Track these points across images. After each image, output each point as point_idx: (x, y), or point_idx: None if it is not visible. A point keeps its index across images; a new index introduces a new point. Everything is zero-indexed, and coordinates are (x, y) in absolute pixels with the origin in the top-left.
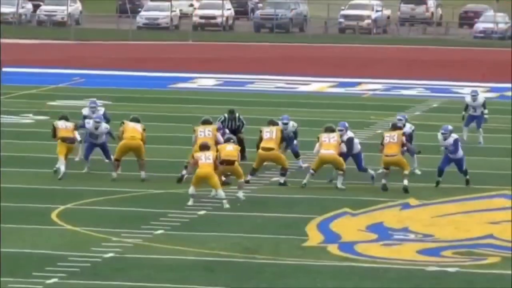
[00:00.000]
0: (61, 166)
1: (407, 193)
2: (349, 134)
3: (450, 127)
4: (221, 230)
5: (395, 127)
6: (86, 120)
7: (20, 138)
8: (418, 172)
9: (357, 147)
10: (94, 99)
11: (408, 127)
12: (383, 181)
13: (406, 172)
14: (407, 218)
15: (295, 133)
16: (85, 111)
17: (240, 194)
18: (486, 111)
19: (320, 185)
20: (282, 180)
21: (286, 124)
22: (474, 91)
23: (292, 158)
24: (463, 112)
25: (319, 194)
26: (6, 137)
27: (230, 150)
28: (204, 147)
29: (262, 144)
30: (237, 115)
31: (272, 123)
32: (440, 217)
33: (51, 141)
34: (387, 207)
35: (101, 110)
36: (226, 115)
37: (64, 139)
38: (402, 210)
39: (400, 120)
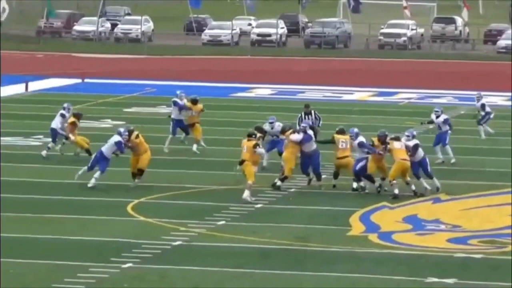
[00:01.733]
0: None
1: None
2: (360, 138)
3: (414, 132)
4: (275, 221)
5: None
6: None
7: (99, 141)
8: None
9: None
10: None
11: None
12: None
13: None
14: (438, 211)
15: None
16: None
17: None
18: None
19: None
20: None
21: (272, 123)
22: (437, 109)
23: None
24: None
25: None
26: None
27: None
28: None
29: (339, 154)
30: (312, 111)
31: (342, 132)
32: (467, 210)
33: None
34: (420, 202)
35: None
36: (302, 112)
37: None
38: (433, 204)
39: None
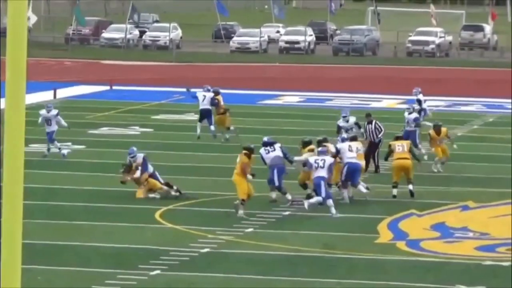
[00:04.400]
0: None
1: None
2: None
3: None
4: (303, 228)
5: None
6: None
7: (127, 147)
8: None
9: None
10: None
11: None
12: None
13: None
14: (466, 219)
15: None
16: None
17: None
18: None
19: (389, 189)
20: (411, 187)
21: (345, 117)
22: (408, 106)
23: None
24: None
25: (389, 197)
26: (114, 146)
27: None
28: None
29: (397, 156)
30: (373, 121)
31: (400, 138)
32: (495, 217)
33: (155, 149)
34: (448, 209)
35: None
36: (365, 122)
37: None
38: (462, 212)
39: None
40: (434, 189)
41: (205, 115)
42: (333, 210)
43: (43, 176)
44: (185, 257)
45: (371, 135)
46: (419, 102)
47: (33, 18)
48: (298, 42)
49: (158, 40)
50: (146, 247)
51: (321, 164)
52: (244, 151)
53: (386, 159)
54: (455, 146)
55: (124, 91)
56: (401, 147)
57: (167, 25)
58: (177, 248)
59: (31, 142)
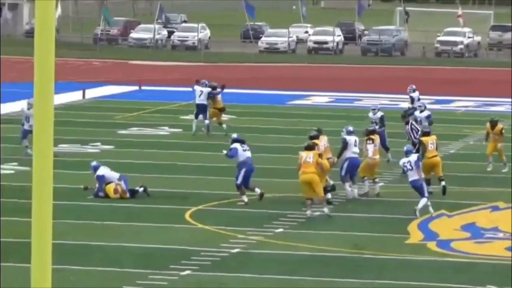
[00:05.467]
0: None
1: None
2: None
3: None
4: (333, 229)
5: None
6: None
7: (156, 148)
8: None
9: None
10: None
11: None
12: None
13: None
14: (496, 219)
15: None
16: None
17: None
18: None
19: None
20: (443, 183)
21: (374, 109)
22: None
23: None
24: None
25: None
26: (144, 146)
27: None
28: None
29: (430, 154)
30: (410, 121)
31: (427, 134)
32: None
33: (184, 150)
34: (479, 209)
35: None
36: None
37: None
38: (492, 212)
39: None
40: (465, 190)
41: (200, 110)
42: (431, 210)
43: (71, 176)
44: (215, 258)
45: (408, 135)
46: (412, 99)
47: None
48: (326, 42)
49: (186, 40)
50: (176, 247)
51: (409, 166)
52: (309, 146)
53: (422, 155)
54: (499, 145)
55: (153, 91)
56: (432, 144)
57: (195, 25)
58: (207, 249)
59: (60, 143)
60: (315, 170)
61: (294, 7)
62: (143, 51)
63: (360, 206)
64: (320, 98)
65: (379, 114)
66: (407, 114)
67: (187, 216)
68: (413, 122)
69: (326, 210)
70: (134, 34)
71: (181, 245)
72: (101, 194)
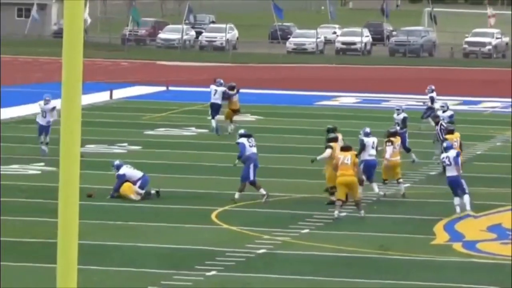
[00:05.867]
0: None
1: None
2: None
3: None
4: (359, 230)
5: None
6: None
7: (183, 149)
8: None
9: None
10: None
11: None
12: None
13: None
14: None
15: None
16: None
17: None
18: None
19: (444, 190)
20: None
21: (398, 110)
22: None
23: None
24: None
25: (445, 198)
26: (170, 147)
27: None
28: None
29: None
30: (440, 122)
31: (451, 131)
32: None
33: (211, 150)
34: (505, 211)
35: None
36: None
37: None
38: None
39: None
40: (490, 191)
41: (213, 109)
42: (458, 210)
43: (98, 176)
44: (241, 258)
45: (437, 135)
46: (432, 99)
47: (88, 20)
48: (354, 43)
49: (214, 41)
50: (202, 247)
51: (447, 162)
52: (346, 147)
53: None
54: None
55: (180, 92)
56: (456, 142)
57: (223, 26)
58: (233, 249)
59: (87, 143)
60: (353, 172)
61: (322, 7)
62: (171, 52)
63: (385, 207)
64: (347, 99)
65: (402, 115)
66: (432, 115)
67: (213, 216)
68: (443, 123)
69: (362, 213)
70: (162, 35)
71: (206, 246)
72: (115, 194)
